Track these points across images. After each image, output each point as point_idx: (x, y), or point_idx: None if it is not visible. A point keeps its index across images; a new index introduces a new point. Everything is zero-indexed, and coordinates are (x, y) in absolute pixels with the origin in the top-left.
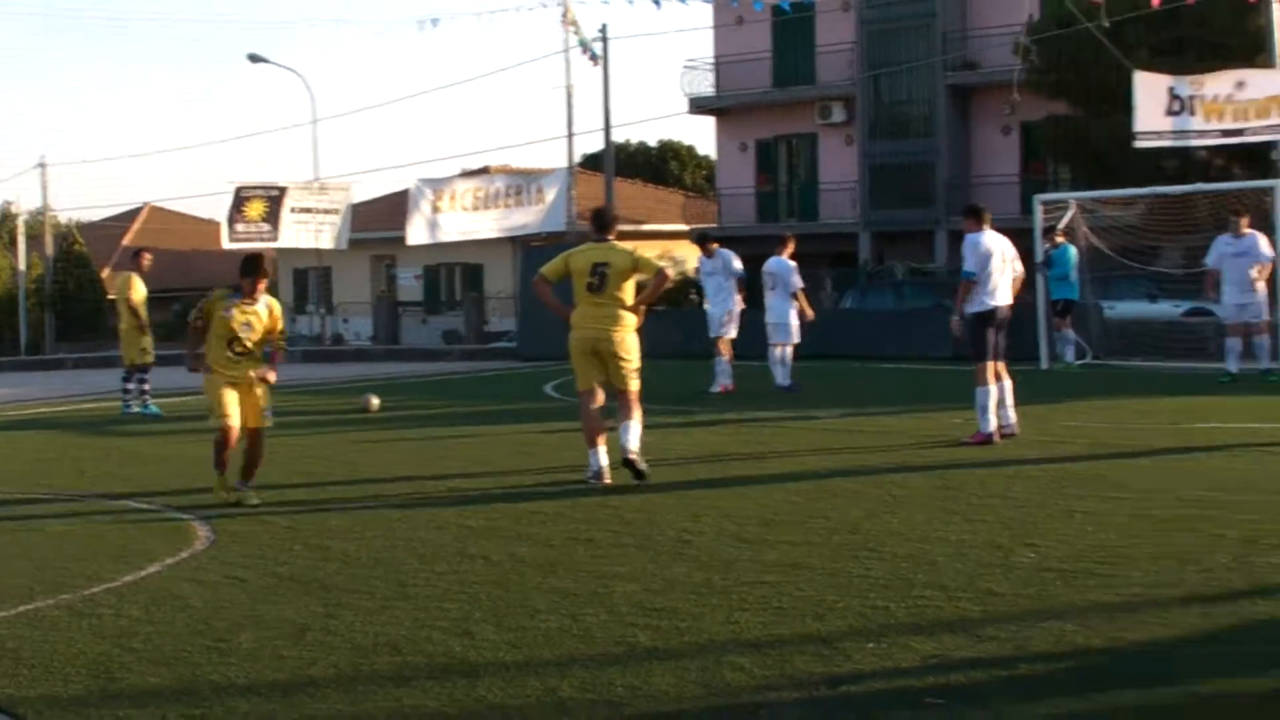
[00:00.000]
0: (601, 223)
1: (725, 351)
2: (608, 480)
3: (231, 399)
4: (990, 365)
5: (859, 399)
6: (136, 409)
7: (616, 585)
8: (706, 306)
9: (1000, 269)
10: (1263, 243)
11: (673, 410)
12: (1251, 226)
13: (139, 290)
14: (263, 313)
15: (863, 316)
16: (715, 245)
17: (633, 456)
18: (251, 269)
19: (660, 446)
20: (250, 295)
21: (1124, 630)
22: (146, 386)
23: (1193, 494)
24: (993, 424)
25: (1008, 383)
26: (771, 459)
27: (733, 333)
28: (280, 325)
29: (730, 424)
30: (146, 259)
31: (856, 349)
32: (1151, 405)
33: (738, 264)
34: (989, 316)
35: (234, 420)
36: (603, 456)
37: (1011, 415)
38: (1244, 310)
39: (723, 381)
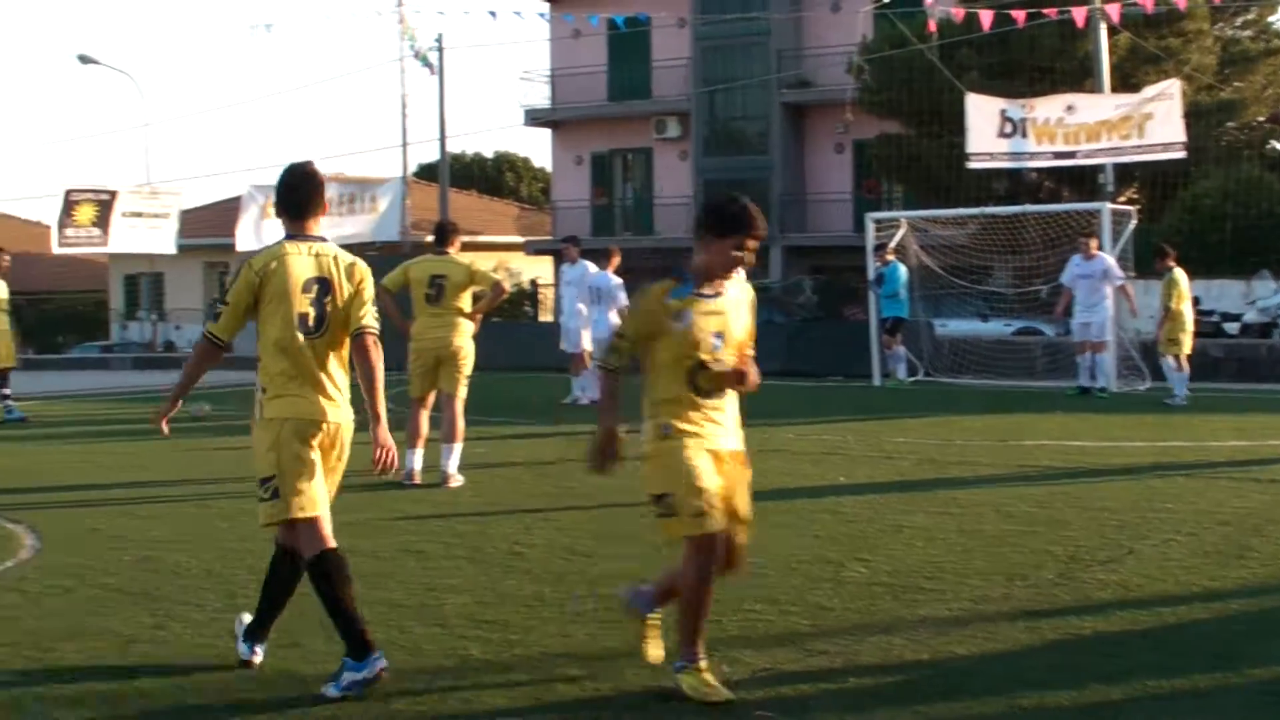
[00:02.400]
0: (441, 236)
1: (585, 365)
2: (418, 481)
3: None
4: None
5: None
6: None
7: (448, 598)
8: (561, 319)
9: None
10: (1112, 264)
11: (506, 421)
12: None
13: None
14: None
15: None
16: (578, 252)
17: (449, 481)
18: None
19: (493, 457)
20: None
21: (951, 644)
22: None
23: (1021, 510)
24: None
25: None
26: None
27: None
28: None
29: (562, 436)
30: (5, 260)
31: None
32: (981, 423)
33: (620, 292)
34: None
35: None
36: (418, 459)
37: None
38: (1088, 329)
39: (589, 394)
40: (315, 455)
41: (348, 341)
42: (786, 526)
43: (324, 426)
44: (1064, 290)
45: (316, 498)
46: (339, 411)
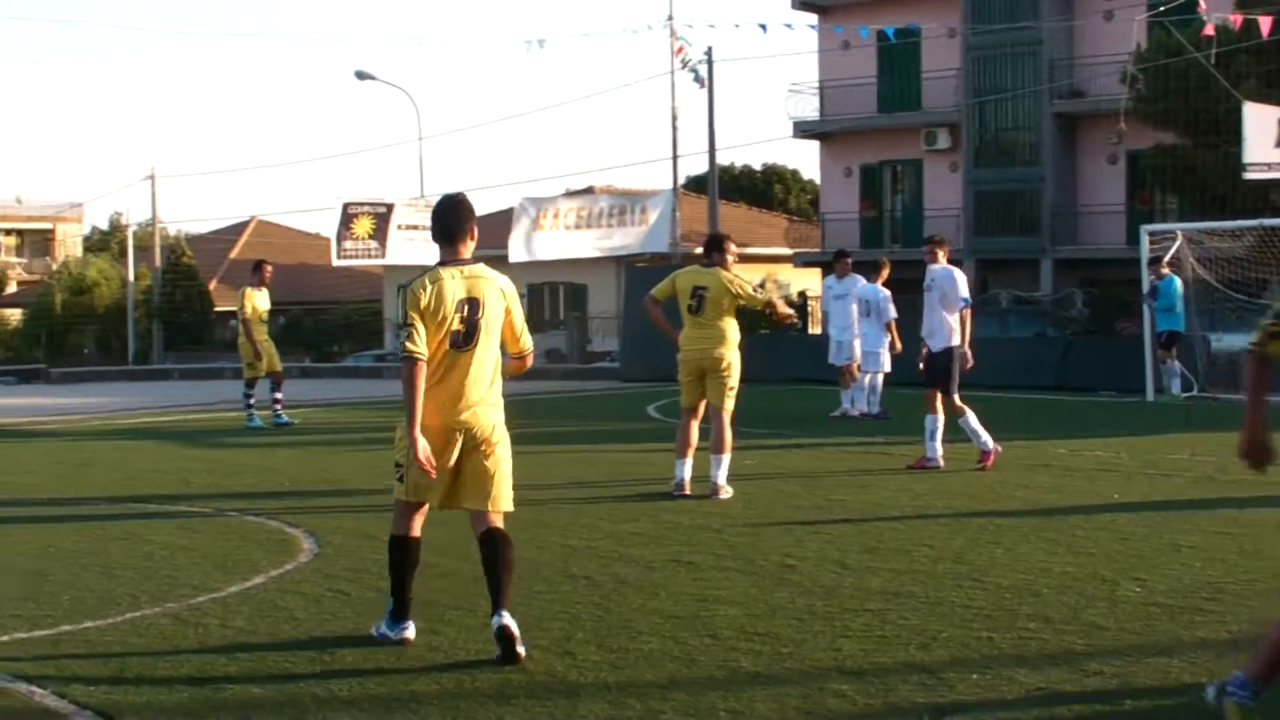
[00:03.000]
0: (706, 247)
1: (854, 377)
2: (687, 491)
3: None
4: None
5: (959, 428)
6: (262, 422)
7: (719, 609)
8: (830, 331)
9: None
10: None
11: (774, 433)
12: None
13: (257, 305)
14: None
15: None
16: (849, 265)
17: (719, 493)
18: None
19: (762, 469)
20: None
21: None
22: (252, 400)
23: None
24: (938, 450)
25: (969, 414)
26: (874, 486)
27: (886, 366)
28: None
29: (831, 448)
30: (267, 271)
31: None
32: None
33: (889, 305)
34: (957, 350)
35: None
36: (687, 469)
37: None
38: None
39: (859, 406)
40: (450, 453)
41: (496, 353)
42: (1060, 544)
43: (463, 430)
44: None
45: (429, 489)
46: (483, 415)
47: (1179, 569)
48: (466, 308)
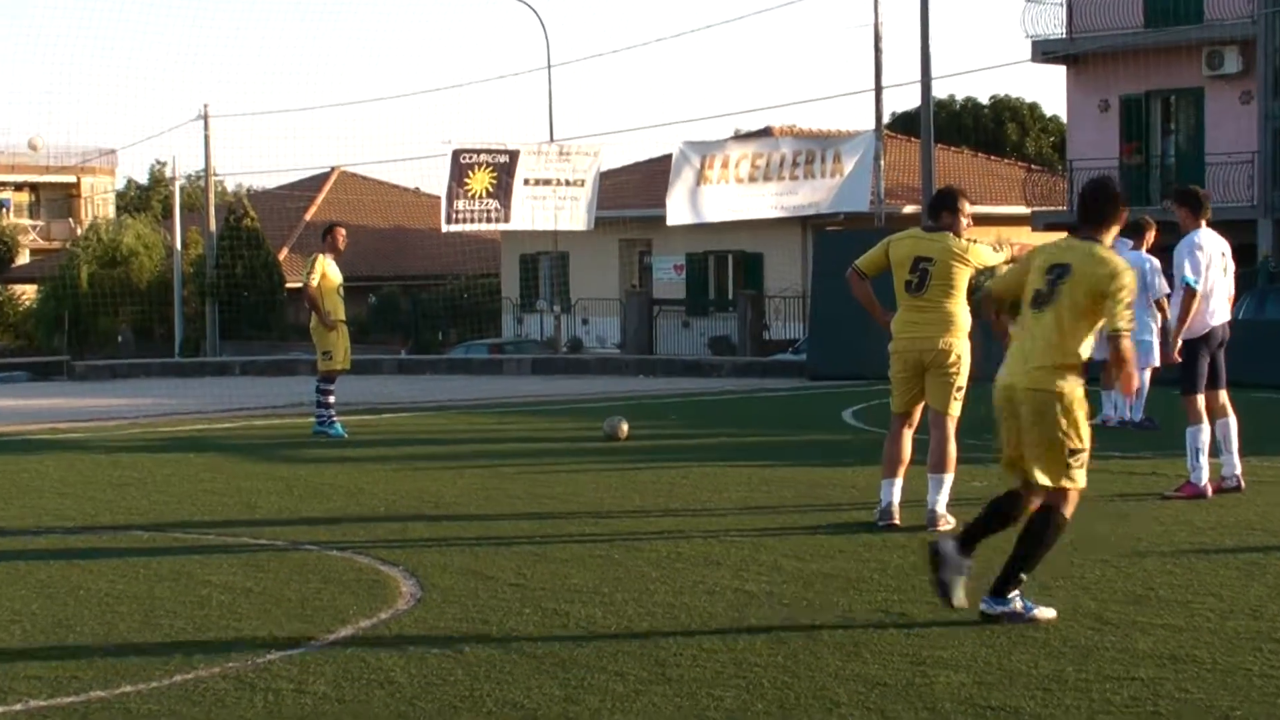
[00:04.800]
0: (933, 206)
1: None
2: (897, 521)
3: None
4: (1203, 398)
5: (1251, 439)
6: (332, 429)
7: (939, 675)
8: None
9: (1220, 278)
10: None
11: None
12: None
13: (329, 276)
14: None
15: (1262, 330)
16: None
17: (939, 523)
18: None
19: (996, 492)
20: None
21: None
22: (330, 400)
23: None
24: (1205, 474)
25: (1232, 419)
26: (1137, 514)
27: (1156, 359)
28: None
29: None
30: (341, 236)
31: (1250, 373)
32: None
33: (1159, 278)
34: (1207, 338)
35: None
36: (897, 491)
37: (1236, 463)
38: None
39: (1121, 411)
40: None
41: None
42: None
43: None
44: None
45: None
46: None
47: None
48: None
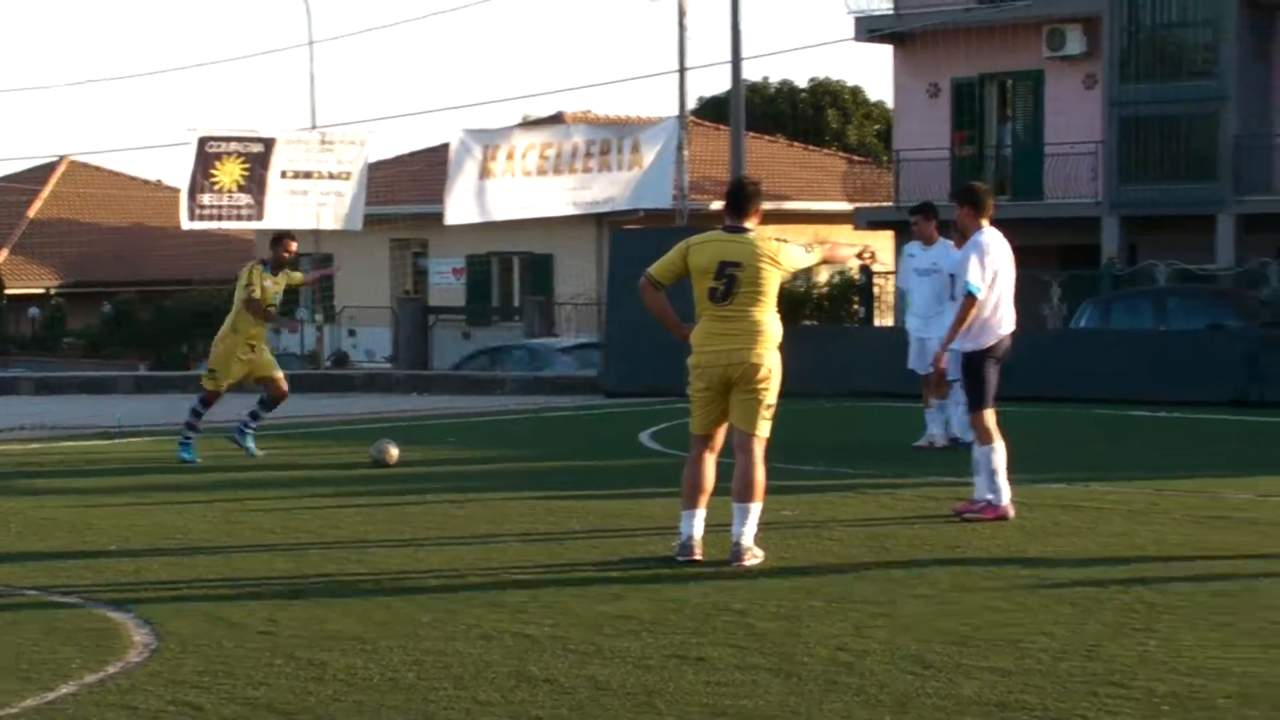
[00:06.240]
0: (737, 203)
1: (944, 392)
2: (698, 555)
3: None
4: (992, 414)
5: (1095, 461)
6: (187, 453)
7: None
8: (910, 324)
9: (1007, 284)
10: None
11: (827, 471)
12: None
13: (261, 286)
14: None
15: (1106, 341)
16: (936, 227)
17: (745, 557)
18: None
19: (809, 521)
20: None
21: None
22: (198, 424)
23: None
24: (1007, 495)
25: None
26: (967, 544)
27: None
28: None
29: (909, 492)
30: (292, 249)
31: (1096, 388)
32: None
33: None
34: (992, 351)
35: None
36: (699, 523)
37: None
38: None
39: (952, 431)
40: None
41: None
42: (1242, 631)
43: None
44: None
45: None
46: None
47: None
48: None
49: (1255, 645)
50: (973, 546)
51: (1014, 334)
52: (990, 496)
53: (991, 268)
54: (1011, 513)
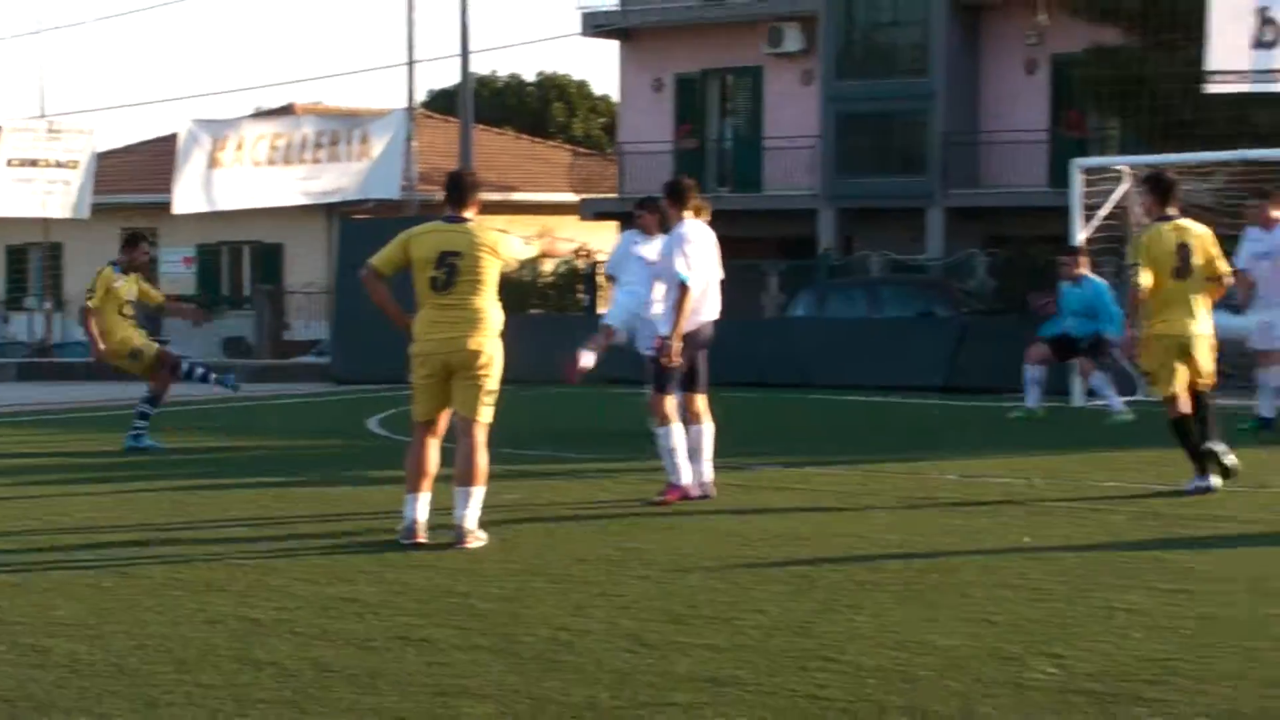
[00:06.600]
0: (456, 194)
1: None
2: (422, 538)
3: None
4: (675, 400)
5: (809, 444)
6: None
7: (464, 706)
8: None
9: (711, 274)
10: None
11: (551, 456)
12: None
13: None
14: None
15: (822, 328)
16: (657, 217)
17: (468, 540)
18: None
19: (532, 505)
20: None
21: None
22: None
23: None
24: (687, 474)
25: (708, 425)
26: (686, 526)
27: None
28: None
29: (632, 476)
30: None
31: (812, 374)
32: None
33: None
34: (692, 337)
35: None
36: (422, 506)
37: (707, 471)
38: (1270, 331)
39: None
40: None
41: None
42: (946, 608)
43: None
44: (1241, 276)
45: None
46: None
47: (1112, 641)
48: None
49: (957, 620)
50: (689, 528)
51: (716, 321)
52: (673, 478)
53: (696, 257)
54: (694, 492)
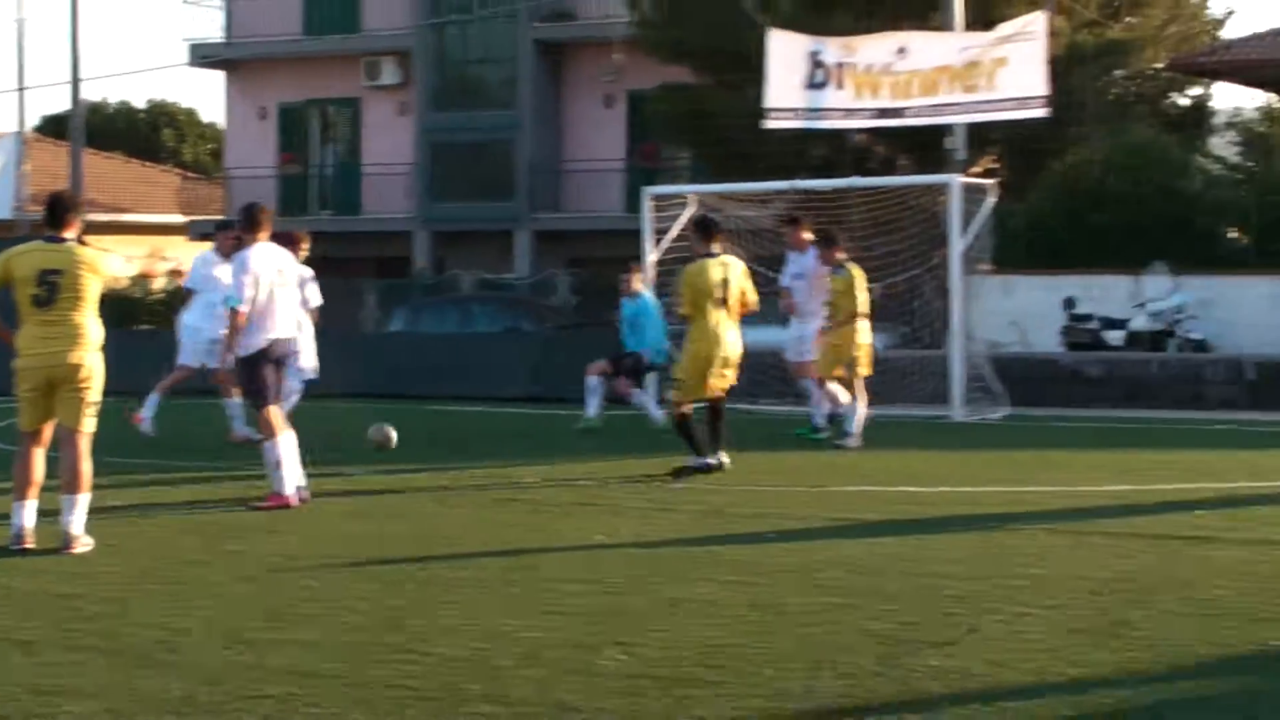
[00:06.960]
0: (55, 215)
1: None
2: (30, 544)
3: None
4: (280, 412)
5: (407, 452)
6: None
7: (65, 704)
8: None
9: (279, 293)
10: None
11: (155, 465)
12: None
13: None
14: None
15: (417, 343)
16: (234, 241)
17: (74, 545)
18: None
19: (138, 509)
20: None
21: None
22: None
23: (833, 577)
24: (291, 485)
25: (289, 434)
26: (288, 530)
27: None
28: None
29: (237, 482)
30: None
31: (408, 385)
32: (785, 462)
33: (314, 286)
34: (265, 353)
35: None
36: (30, 513)
37: (300, 477)
38: (802, 344)
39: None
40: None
41: None
42: (527, 601)
43: None
44: (786, 293)
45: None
46: None
47: (675, 629)
48: None
49: (538, 612)
50: (291, 531)
51: (289, 339)
52: (276, 487)
53: (254, 280)
54: (294, 501)
